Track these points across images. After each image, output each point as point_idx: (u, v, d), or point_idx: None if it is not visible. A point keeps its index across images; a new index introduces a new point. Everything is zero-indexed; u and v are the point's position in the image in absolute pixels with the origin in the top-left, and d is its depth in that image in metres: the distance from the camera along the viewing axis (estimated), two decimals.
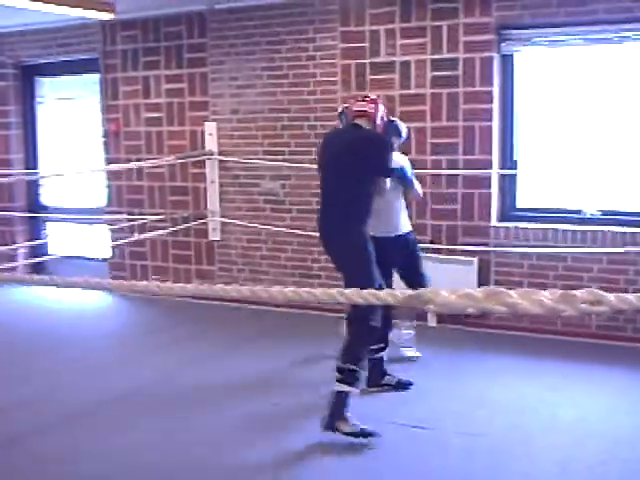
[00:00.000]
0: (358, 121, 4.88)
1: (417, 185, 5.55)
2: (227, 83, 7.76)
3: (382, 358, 5.33)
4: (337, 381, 4.48)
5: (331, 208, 4.80)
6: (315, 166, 5.23)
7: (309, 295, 1.85)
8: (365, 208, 4.72)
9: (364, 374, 4.62)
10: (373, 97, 5.06)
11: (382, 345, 5.26)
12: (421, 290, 1.63)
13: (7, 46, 9.12)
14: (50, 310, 7.86)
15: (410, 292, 1.65)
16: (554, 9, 6.25)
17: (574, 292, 1.64)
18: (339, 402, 4.46)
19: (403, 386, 5.34)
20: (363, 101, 4.95)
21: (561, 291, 1.63)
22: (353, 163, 4.71)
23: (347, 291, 1.77)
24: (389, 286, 5.12)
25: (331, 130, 5.16)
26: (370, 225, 4.80)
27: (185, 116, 8.01)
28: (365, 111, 4.88)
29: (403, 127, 5.53)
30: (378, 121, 4.92)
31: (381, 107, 4.96)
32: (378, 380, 5.30)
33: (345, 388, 4.47)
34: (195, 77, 7.93)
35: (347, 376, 4.47)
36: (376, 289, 1.86)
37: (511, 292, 1.61)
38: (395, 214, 5.40)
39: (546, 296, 1.62)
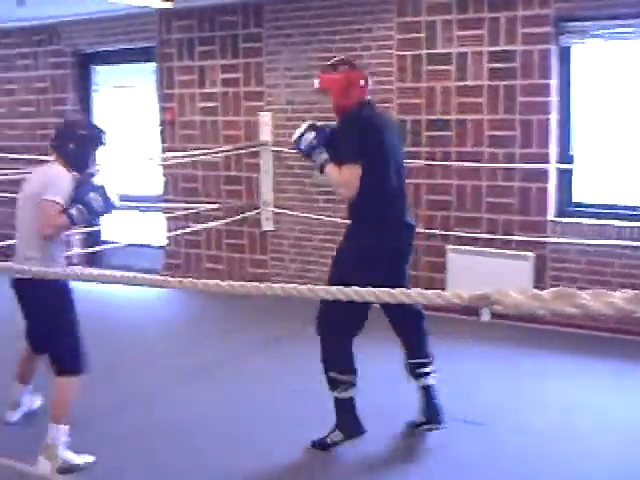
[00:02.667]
0: (369, 98, 4.41)
1: None
2: (282, 73, 7.76)
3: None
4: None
5: (403, 199, 4.37)
6: None
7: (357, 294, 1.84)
8: None
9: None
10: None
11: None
12: (489, 291, 1.60)
13: (65, 34, 9.23)
14: (100, 299, 7.94)
15: (477, 293, 1.63)
16: (614, 1, 6.14)
17: None
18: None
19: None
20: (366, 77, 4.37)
21: (633, 292, 1.60)
22: (402, 149, 4.53)
23: (410, 291, 1.75)
24: None
25: (366, 109, 4.28)
26: None
27: (240, 106, 8.03)
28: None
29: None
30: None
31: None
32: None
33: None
34: (250, 67, 7.95)
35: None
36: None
37: (582, 293, 1.58)
38: None
39: (617, 297, 1.59)
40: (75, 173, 4.23)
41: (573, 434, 4.51)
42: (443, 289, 6.73)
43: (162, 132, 8.63)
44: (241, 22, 7.94)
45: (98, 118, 9.52)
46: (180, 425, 4.69)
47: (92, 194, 4.19)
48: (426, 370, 4.44)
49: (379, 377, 5.22)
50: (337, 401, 4.25)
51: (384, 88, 7.18)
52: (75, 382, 4.20)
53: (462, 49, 6.80)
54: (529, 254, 6.61)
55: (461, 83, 6.84)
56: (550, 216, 6.65)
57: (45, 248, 4.12)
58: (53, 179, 4.14)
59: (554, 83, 6.53)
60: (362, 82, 4.27)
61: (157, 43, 8.50)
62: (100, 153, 4.52)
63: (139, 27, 8.61)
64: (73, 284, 4.35)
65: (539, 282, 6.52)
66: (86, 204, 4.15)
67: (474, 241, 6.85)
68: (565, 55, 6.58)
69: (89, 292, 7.97)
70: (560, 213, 6.70)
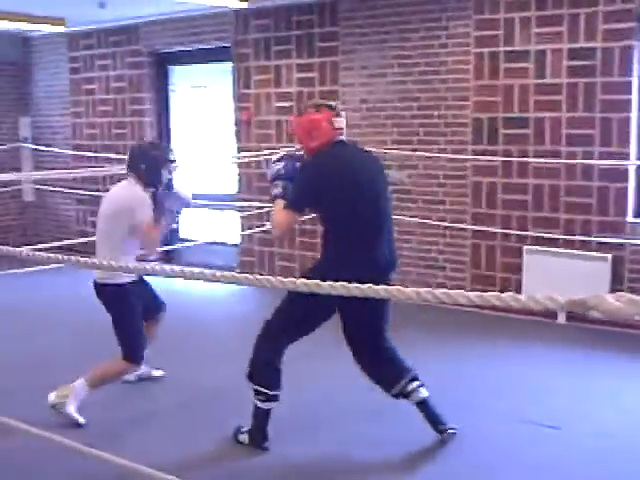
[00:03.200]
0: (341, 138, 4.26)
1: None
2: (357, 72, 7.76)
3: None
4: (420, 387, 4.34)
5: (385, 236, 4.23)
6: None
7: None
8: None
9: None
10: (336, 106, 4.35)
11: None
12: (586, 296, 1.58)
13: (143, 35, 9.39)
14: (178, 293, 8.06)
15: (574, 298, 1.60)
16: None
17: None
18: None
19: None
20: (338, 116, 4.22)
21: None
22: (386, 187, 4.43)
23: (503, 295, 1.74)
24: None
25: (331, 151, 4.17)
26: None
27: None
28: (343, 129, 4.27)
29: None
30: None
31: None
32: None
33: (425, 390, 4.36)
34: (326, 66, 7.96)
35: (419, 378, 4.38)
36: None
37: None
38: None
39: None
40: (151, 189, 4.78)
41: None
42: (519, 290, 6.68)
43: (237, 131, 8.71)
44: (317, 21, 7.96)
45: (175, 117, 9.68)
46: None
47: (167, 204, 4.80)
48: (411, 387, 4.32)
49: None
50: (256, 408, 4.26)
51: (461, 86, 7.13)
52: (124, 367, 4.76)
53: (540, 46, 6.70)
54: (607, 255, 6.48)
55: (539, 81, 6.74)
56: (629, 217, 6.52)
57: (118, 252, 4.57)
58: (135, 202, 4.66)
59: (636, 81, 6.39)
60: (324, 124, 4.14)
61: (233, 43, 8.58)
62: (171, 170, 4.96)
63: (215, 27, 8.71)
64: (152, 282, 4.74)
65: (616, 284, 6.40)
66: (167, 213, 4.79)
67: (551, 242, 6.75)
68: None
69: (165, 290, 8.13)
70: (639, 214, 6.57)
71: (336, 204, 4.10)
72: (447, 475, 4.06)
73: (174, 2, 7.59)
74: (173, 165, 4.98)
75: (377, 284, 4.02)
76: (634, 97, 6.41)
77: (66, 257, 2.75)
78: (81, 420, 4.59)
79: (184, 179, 5.07)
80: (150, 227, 4.62)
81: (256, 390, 4.22)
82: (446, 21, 7.17)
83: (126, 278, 4.63)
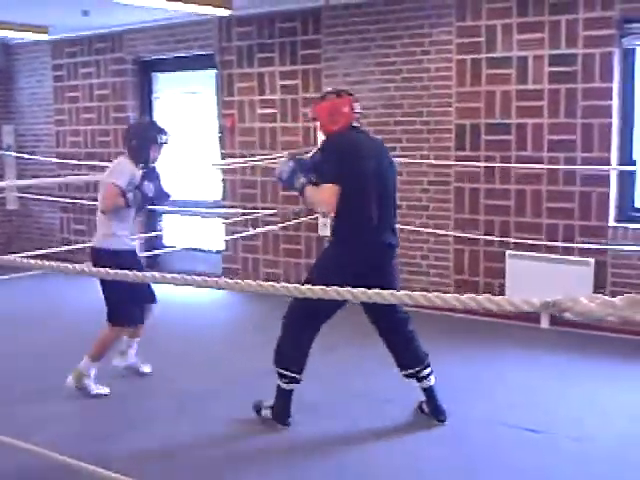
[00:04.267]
0: (357, 123, 4.60)
1: None
2: (340, 79, 7.78)
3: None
4: (430, 374, 4.62)
5: (384, 223, 4.50)
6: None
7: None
8: None
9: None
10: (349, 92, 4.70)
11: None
12: (559, 298, 1.60)
13: (127, 42, 9.39)
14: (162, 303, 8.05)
15: (547, 299, 1.62)
16: None
17: None
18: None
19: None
20: (357, 101, 4.59)
21: None
22: (394, 174, 4.70)
23: (478, 297, 1.75)
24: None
25: (347, 134, 4.51)
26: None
27: (298, 112, 8.08)
28: (360, 113, 4.63)
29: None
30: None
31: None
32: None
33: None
34: (309, 73, 7.99)
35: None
36: None
37: None
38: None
39: None
40: (141, 166, 5.16)
41: (631, 442, 4.43)
42: (502, 295, 6.71)
43: (221, 138, 8.72)
44: (300, 29, 7.99)
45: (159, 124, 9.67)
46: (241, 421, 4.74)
47: (146, 182, 5.09)
48: (424, 374, 4.65)
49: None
50: (279, 389, 4.56)
51: (443, 92, 7.17)
52: (114, 333, 5.19)
53: (522, 53, 6.75)
54: (590, 260, 6.53)
55: (521, 87, 6.79)
56: (611, 221, 6.56)
57: (108, 225, 5.07)
58: (115, 167, 5.18)
59: (616, 87, 6.44)
60: (345, 109, 4.49)
61: (217, 50, 8.60)
62: (161, 151, 5.28)
63: (199, 34, 8.72)
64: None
65: (599, 288, 6.43)
66: (141, 190, 5.06)
67: (533, 247, 6.78)
68: (628, 57, 6.49)
69: None
70: (621, 218, 6.61)
71: (349, 182, 4.33)
72: (430, 477, 4.07)
73: (158, 10, 7.59)
74: (163, 146, 5.28)
75: (380, 263, 4.33)
76: (615, 103, 6.46)
77: (48, 263, 2.76)
78: (104, 391, 5.14)
79: (169, 183, 5.36)
80: (112, 190, 4.98)
81: (279, 373, 4.51)
82: (428, 28, 7.21)
83: (123, 246, 5.11)
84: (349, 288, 2.09)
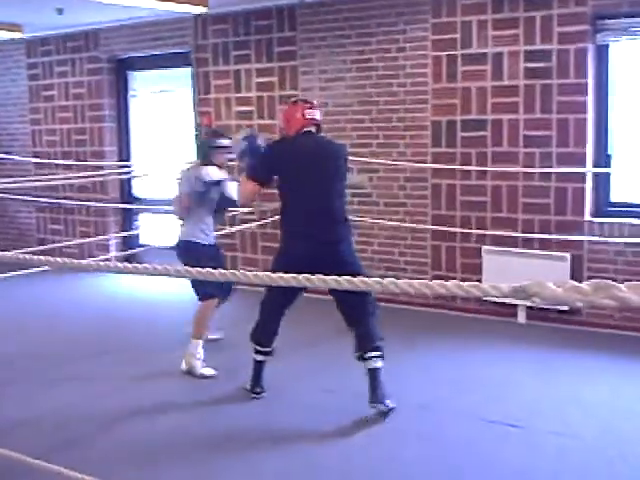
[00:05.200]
0: (310, 128, 4.94)
1: None
2: (317, 76, 7.78)
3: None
4: (377, 357, 4.75)
5: (323, 218, 4.80)
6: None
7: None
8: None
9: None
10: (316, 102, 5.17)
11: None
12: (527, 283, 1.60)
13: (102, 41, 9.34)
14: (141, 299, 8.02)
15: (515, 285, 1.62)
16: None
17: None
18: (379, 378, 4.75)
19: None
20: (312, 108, 4.96)
21: None
22: (336, 173, 4.91)
23: (447, 284, 1.75)
24: None
25: (295, 137, 4.92)
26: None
27: (275, 109, 8.06)
28: (315, 119, 4.96)
29: None
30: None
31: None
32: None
33: (381, 363, 4.77)
34: (285, 70, 7.98)
35: (382, 351, 4.77)
36: None
37: (620, 285, 1.57)
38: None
39: None
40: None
41: (612, 436, 4.45)
42: None
43: (198, 136, 8.69)
44: (275, 26, 7.98)
45: (135, 123, 9.64)
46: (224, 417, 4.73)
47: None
48: (373, 354, 4.76)
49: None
50: (254, 361, 5.07)
51: (419, 89, 7.18)
52: (206, 306, 5.67)
53: (498, 49, 6.77)
54: (566, 255, 6.56)
55: (497, 83, 6.81)
56: (587, 216, 6.59)
57: (188, 223, 5.76)
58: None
59: (591, 82, 6.47)
60: (298, 115, 4.90)
61: (193, 48, 8.57)
62: (223, 154, 5.75)
63: (174, 32, 8.69)
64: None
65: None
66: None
67: (510, 242, 6.80)
68: (602, 53, 6.52)
69: (126, 295, 8.09)
70: (597, 213, 6.64)
71: (284, 181, 4.87)
72: (409, 474, 4.07)
73: (133, 8, 7.55)
74: (222, 150, 5.74)
75: (317, 258, 4.55)
76: (589, 98, 6.49)
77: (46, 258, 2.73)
78: (210, 372, 5.55)
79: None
80: (177, 199, 5.83)
81: (253, 347, 5.02)
82: (404, 25, 7.22)
83: (202, 240, 5.72)
84: (307, 275, 2.11)
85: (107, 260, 6.60)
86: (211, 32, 8.41)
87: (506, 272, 6.65)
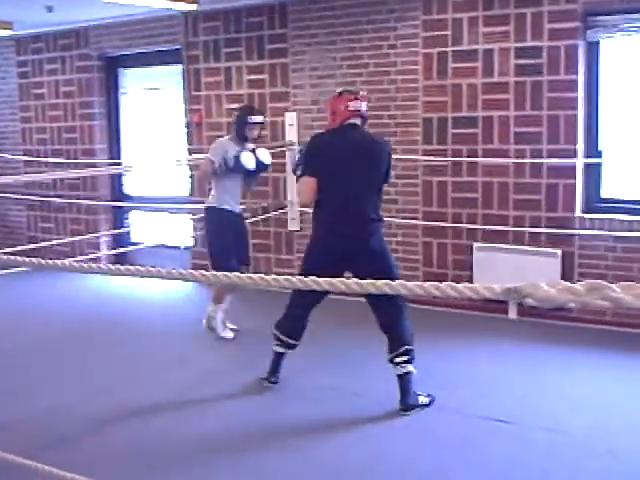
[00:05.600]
0: (354, 120, 4.91)
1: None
2: (308, 73, 7.78)
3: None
4: (406, 362, 4.74)
5: (350, 215, 4.81)
6: None
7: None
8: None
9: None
10: (363, 93, 5.20)
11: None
12: (520, 284, 1.61)
13: (92, 38, 9.31)
14: (132, 298, 8.01)
15: (508, 286, 1.63)
16: None
17: None
18: (411, 382, 4.77)
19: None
20: (356, 99, 4.92)
21: None
22: (374, 171, 4.89)
23: (440, 285, 1.76)
24: None
25: (336, 130, 4.94)
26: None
27: (266, 107, 8.05)
28: (360, 111, 4.93)
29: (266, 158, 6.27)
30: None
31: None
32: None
33: (412, 368, 4.77)
34: (276, 68, 7.97)
35: (413, 356, 4.77)
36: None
37: (613, 286, 1.58)
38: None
39: None
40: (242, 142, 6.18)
41: (602, 432, 4.47)
42: None
43: (188, 134, 8.68)
44: (266, 23, 7.97)
45: (126, 120, 9.61)
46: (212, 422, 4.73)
47: (242, 154, 6.06)
48: (404, 359, 4.76)
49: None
50: (275, 353, 5.13)
51: (410, 86, 7.18)
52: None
53: (488, 46, 6.78)
54: (557, 251, 6.58)
55: (487, 80, 6.82)
56: (577, 212, 6.61)
57: (215, 192, 6.27)
58: (212, 145, 6.34)
59: (581, 79, 6.49)
60: (342, 108, 4.86)
61: (183, 45, 8.55)
62: (256, 129, 6.26)
63: (165, 30, 8.67)
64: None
65: (567, 279, 6.43)
66: (231, 160, 6.04)
67: (501, 238, 6.82)
68: (593, 50, 6.53)
69: (117, 294, 8.08)
70: (588, 209, 6.66)
71: (321, 175, 4.79)
72: (398, 470, 4.07)
73: (123, 5, 7.53)
74: (255, 125, 6.24)
75: (347, 254, 4.71)
76: (580, 94, 6.51)
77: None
78: (229, 335, 6.27)
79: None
80: (203, 164, 6.32)
81: (275, 335, 5.07)
82: (394, 22, 7.22)
83: (225, 205, 6.17)
84: (314, 278, 2.10)
85: (93, 260, 6.58)
86: (202, 29, 8.40)
87: (497, 269, 6.67)
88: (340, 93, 5.00)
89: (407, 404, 4.73)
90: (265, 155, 6.30)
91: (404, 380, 4.75)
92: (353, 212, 4.77)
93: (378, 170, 4.88)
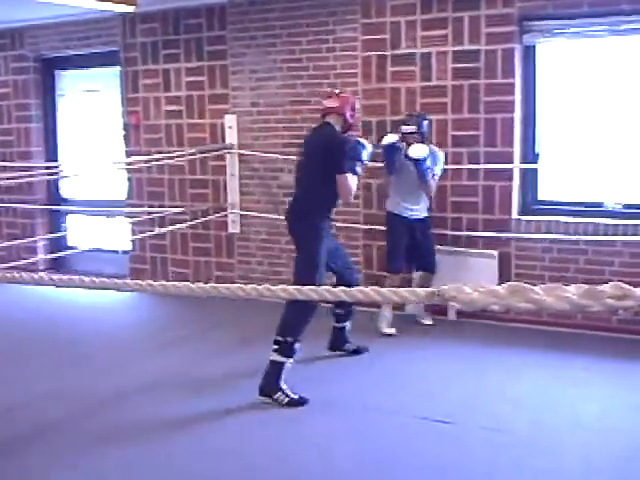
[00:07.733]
0: (328, 118, 5.35)
1: (432, 182, 6.32)
2: (247, 76, 7.74)
3: (345, 327, 5.87)
4: (273, 351, 4.92)
5: (299, 195, 5.40)
6: None
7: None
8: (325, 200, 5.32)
9: (298, 347, 4.99)
10: (341, 93, 5.54)
11: (347, 314, 5.81)
12: (444, 287, 1.60)
13: (28, 39, 9.14)
14: (67, 305, 7.86)
15: (432, 289, 1.62)
16: (578, 0, 6.19)
17: (600, 287, 1.60)
18: (274, 371, 4.91)
19: (360, 352, 5.93)
20: (330, 97, 5.41)
21: (586, 286, 1.60)
22: (316, 159, 5.23)
23: (367, 289, 1.75)
24: None
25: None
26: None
27: (205, 109, 8.00)
28: (333, 107, 5.32)
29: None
30: (347, 116, 5.33)
31: (350, 101, 5.41)
32: (340, 345, 5.91)
33: (280, 359, 4.91)
34: (215, 70, 7.91)
35: (284, 348, 4.91)
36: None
37: (536, 288, 1.58)
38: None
39: (571, 292, 1.59)
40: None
41: (543, 431, 4.51)
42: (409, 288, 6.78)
43: (126, 136, 8.57)
44: (205, 25, 7.91)
45: (63, 123, 9.46)
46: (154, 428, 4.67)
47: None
48: (274, 347, 4.96)
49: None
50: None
51: (349, 89, 7.17)
52: (387, 279, 6.43)
53: (426, 49, 6.82)
54: (494, 252, 6.65)
55: (425, 83, 6.86)
56: (514, 214, 6.69)
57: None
58: None
59: (518, 82, 6.56)
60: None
61: (121, 47, 8.44)
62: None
63: (103, 31, 8.55)
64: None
65: (504, 280, 6.53)
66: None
67: (439, 240, 6.84)
68: (529, 54, 6.62)
69: (53, 298, 7.92)
70: (525, 211, 6.74)
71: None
72: (341, 471, 4.07)
73: (58, 6, 7.39)
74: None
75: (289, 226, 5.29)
76: (517, 98, 6.58)
77: None
78: (391, 331, 6.48)
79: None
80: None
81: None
82: (333, 25, 7.22)
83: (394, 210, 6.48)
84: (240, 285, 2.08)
85: (33, 263, 6.42)
86: (140, 31, 8.30)
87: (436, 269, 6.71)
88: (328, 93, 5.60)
89: (260, 387, 4.93)
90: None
91: (268, 365, 4.94)
92: (297, 194, 5.46)
93: (317, 160, 5.26)
